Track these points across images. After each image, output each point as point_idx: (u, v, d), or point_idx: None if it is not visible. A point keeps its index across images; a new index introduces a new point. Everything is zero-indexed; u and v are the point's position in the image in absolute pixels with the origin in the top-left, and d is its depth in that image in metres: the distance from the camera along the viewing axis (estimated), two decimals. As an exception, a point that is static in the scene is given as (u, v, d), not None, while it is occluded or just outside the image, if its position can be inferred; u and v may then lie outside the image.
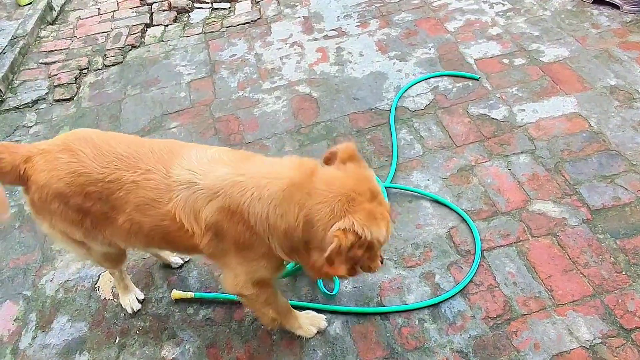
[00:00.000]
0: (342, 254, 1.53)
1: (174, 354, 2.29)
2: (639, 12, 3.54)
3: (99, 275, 2.67)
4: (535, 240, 2.38)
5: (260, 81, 3.73)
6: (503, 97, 3.16)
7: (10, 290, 2.68)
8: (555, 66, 3.29)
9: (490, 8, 3.92)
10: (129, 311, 2.45)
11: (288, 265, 2.24)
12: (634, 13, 3.54)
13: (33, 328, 2.50)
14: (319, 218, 1.57)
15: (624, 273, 2.20)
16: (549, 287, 2.20)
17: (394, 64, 3.61)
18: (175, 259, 2.62)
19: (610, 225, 2.37)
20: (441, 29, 3.83)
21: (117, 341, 2.38)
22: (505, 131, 2.94)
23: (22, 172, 1.86)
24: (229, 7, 4.74)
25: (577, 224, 2.40)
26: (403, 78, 3.47)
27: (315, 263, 1.64)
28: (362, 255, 1.59)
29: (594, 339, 2.02)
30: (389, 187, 2.73)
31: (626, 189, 2.50)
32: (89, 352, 2.36)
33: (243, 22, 4.45)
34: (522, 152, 2.79)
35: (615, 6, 3.63)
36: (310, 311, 2.29)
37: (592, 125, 2.85)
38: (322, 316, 2.26)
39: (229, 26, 4.44)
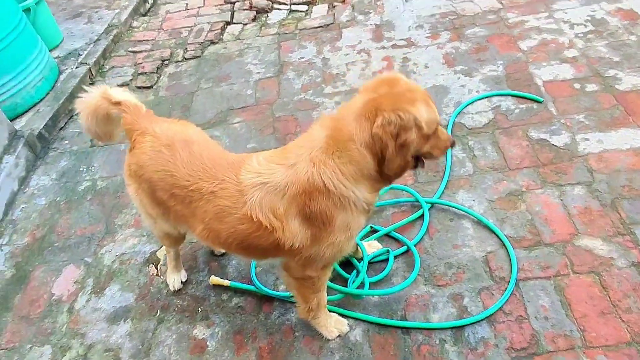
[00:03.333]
0: (389, 144, 1.64)
1: (204, 335, 2.45)
2: None
3: (152, 252, 2.90)
4: (576, 277, 2.28)
5: (323, 85, 3.83)
6: (568, 123, 3.02)
7: (74, 255, 2.98)
8: (631, 96, 3.09)
9: (570, 29, 3.74)
10: (171, 288, 2.65)
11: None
12: None
13: (89, 292, 2.77)
14: (363, 135, 1.68)
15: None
16: (581, 327, 2.10)
17: (459, 78, 3.56)
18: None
19: (663, 272, 2.22)
20: (513, 46, 3.71)
21: (157, 315, 2.58)
22: (563, 159, 2.81)
23: (132, 139, 2.14)
24: (306, 10, 4.89)
25: (625, 265, 2.27)
26: (465, 94, 3.41)
27: (387, 165, 1.72)
28: (419, 140, 1.69)
29: (622, 389, 1.91)
30: (433, 203, 2.72)
31: (689, 237, 2.32)
32: (131, 321, 2.58)
33: (316, 25, 4.57)
34: (578, 183, 2.67)
35: None
36: (335, 314, 2.35)
37: (661, 163, 2.67)
38: (345, 321, 2.32)
39: (303, 29, 4.58)
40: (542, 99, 3.19)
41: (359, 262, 2.51)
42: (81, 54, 4.70)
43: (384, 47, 4.06)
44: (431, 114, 1.70)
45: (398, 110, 1.63)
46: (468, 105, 3.30)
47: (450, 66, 3.69)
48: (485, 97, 3.32)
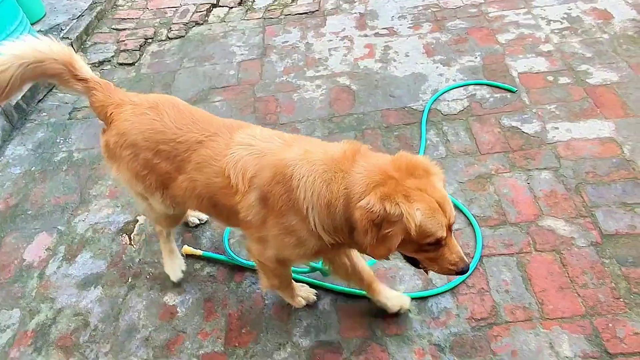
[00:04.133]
0: (369, 231, 1.53)
1: (174, 301, 2.47)
2: None
3: (125, 222, 2.91)
4: (537, 254, 2.36)
5: (305, 69, 3.87)
6: (539, 113, 3.12)
7: (47, 223, 2.98)
8: (600, 89, 3.20)
9: (547, 25, 3.85)
10: (172, 279, 2.50)
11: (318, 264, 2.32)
12: (698, 46, 3.38)
13: (60, 259, 2.77)
14: (355, 192, 1.58)
15: (621, 300, 2.15)
16: (540, 300, 2.19)
17: (437, 67, 3.64)
18: (192, 218, 2.78)
19: (619, 251, 2.31)
20: (492, 39, 3.81)
21: (128, 282, 2.59)
22: (533, 146, 2.91)
23: (108, 114, 2.04)
24: (293, -2, 4.92)
25: (584, 245, 2.36)
26: (442, 82, 3.49)
27: (360, 241, 1.62)
28: (407, 242, 1.56)
29: (574, 357, 2.00)
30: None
31: (645, 219, 2.43)
32: (102, 287, 2.59)
33: (302, 12, 4.61)
34: (545, 169, 2.76)
35: (679, 37, 3.48)
36: (305, 285, 2.39)
37: (624, 152, 2.77)
38: (313, 290, 2.36)
39: (288, 14, 4.62)
40: (516, 89, 3.29)
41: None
42: (63, 29, 4.66)
43: (366, 35, 4.12)
44: (428, 222, 1.53)
45: (386, 201, 1.51)
46: (445, 92, 3.38)
47: (429, 56, 3.76)
48: (462, 86, 3.41)
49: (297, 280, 2.41)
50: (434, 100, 3.33)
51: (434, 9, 4.27)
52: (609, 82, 3.24)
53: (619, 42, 3.57)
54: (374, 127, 3.23)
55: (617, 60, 3.41)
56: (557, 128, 3.00)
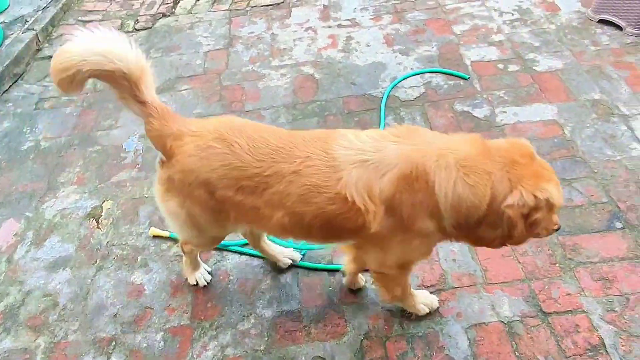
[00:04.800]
0: (518, 224, 1.57)
1: (142, 280, 2.57)
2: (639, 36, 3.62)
3: (93, 207, 2.98)
4: (483, 227, 2.55)
5: (271, 58, 3.99)
6: (489, 98, 3.31)
7: (15, 210, 3.02)
8: (546, 76, 3.42)
9: (499, 16, 4.06)
10: (201, 284, 2.46)
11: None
12: (635, 36, 3.63)
13: (28, 243, 2.82)
14: (500, 191, 1.57)
15: (557, 265, 2.35)
16: (484, 267, 2.37)
17: (396, 57, 3.80)
18: (285, 258, 2.50)
19: (557, 222, 2.51)
20: (448, 30, 3.99)
21: (96, 263, 2.68)
22: (482, 129, 3.10)
23: (167, 147, 1.82)
24: (257, -11, 5.02)
25: (526, 217, 2.56)
26: (401, 70, 3.66)
27: (487, 238, 1.66)
28: (540, 220, 1.60)
29: (513, 316, 2.19)
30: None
31: (581, 193, 2.64)
32: (71, 269, 2.66)
33: (268, 3, 4.71)
34: (493, 149, 2.95)
35: (619, 27, 3.72)
36: (425, 291, 2.28)
37: (565, 133, 2.99)
38: (435, 297, 2.24)
39: (254, 6, 4.71)
40: (469, 77, 3.47)
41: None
42: (28, 20, 4.65)
43: (330, 27, 4.26)
44: (561, 196, 1.63)
45: (533, 190, 1.54)
46: (402, 80, 3.55)
47: (389, 46, 3.93)
48: (418, 74, 3.58)
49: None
50: (393, 88, 3.49)
51: (395, 1, 4.44)
52: (554, 69, 3.46)
53: (565, 32, 3.80)
54: (336, 114, 3.38)
55: (562, 49, 3.63)
56: (505, 112, 3.20)
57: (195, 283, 2.48)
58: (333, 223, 1.70)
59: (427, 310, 2.20)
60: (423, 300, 2.20)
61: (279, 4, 4.68)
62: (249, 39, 4.25)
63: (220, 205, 1.82)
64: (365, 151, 1.65)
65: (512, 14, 4.06)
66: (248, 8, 4.69)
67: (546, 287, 2.27)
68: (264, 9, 4.64)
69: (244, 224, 1.95)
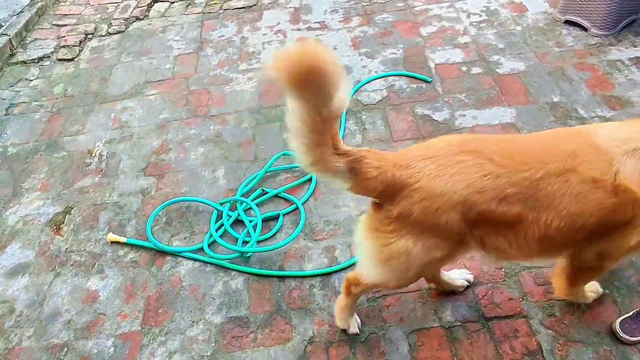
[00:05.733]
0: None
1: (97, 286, 2.61)
2: (604, 37, 3.63)
3: (55, 213, 3.01)
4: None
5: (239, 62, 4.01)
6: (450, 101, 3.33)
7: (-22, 217, 3.06)
8: (507, 78, 3.44)
9: (467, 17, 4.07)
10: (353, 331, 2.21)
11: None
12: (599, 37, 3.64)
13: (-11, 250, 2.86)
14: None
15: (502, 270, 2.38)
16: (430, 273, 2.40)
17: (362, 59, 3.82)
18: (461, 281, 2.33)
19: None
20: (415, 32, 4.01)
21: (54, 269, 2.71)
22: (441, 132, 3.12)
23: (394, 179, 1.61)
24: (232, -9, 5.04)
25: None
26: (365, 74, 3.68)
27: None
28: None
29: (455, 321, 2.22)
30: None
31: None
32: (29, 276, 2.70)
33: (240, 6, 4.73)
34: (449, 153, 2.97)
35: (584, 28, 3.73)
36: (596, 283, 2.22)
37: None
38: (596, 283, 2.20)
39: (227, 9, 4.73)
40: (431, 80, 3.49)
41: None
42: (3, 25, 4.67)
43: (299, 29, 4.28)
44: None
45: None
46: (365, 83, 3.57)
47: (356, 48, 3.94)
48: (381, 77, 3.60)
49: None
50: (356, 91, 3.51)
51: (364, 3, 4.45)
52: (516, 72, 3.48)
53: (530, 33, 3.81)
54: (298, 118, 3.40)
55: (526, 50, 3.65)
56: (464, 115, 3.22)
57: (346, 328, 2.21)
58: (607, 219, 1.62)
59: (595, 297, 2.19)
60: (589, 288, 2.18)
61: (251, 6, 4.70)
62: (219, 42, 4.28)
63: (469, 227, 1.64)
64: (632, 139, 1.60)
65: (480, 15, 4.07)
66: (221, 11, 4.71)
67: (489, 292, 2.30)
68: (236, 12, 4.66)
69: (490, 244, 1.72)
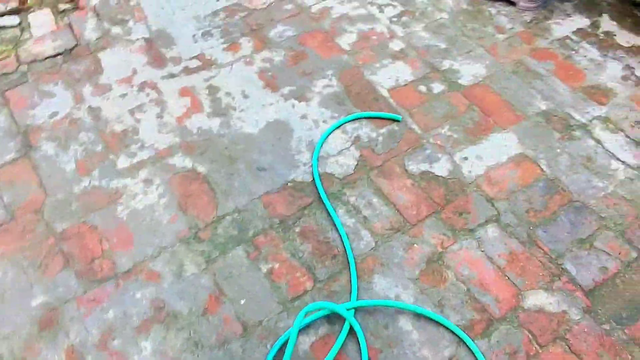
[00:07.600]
0: None
1: None
2: (534, 10, 3.26)
3: None
4: (545, 352, 1.98)
5: (112, 155, 2.60)
6: (437, 142, 2.63)
7: None
8: (476, 90, 2.85)
9: (380, 12, 3.28)
10: None
11: None
12: (530, 10, 3.25)
13: None
14: None
15: (642, 375, 1.94)
16: None
17: (293, 106, 2.80)
18: None
19: (609, 308, 2.08)
20: (333, 47, 3.08)
21: None
22: (457, 192, 2.44)
23: None
24: (19, 24, 3.30)
25: (579, 317, 2.06)
26: (312, 128, 2.70)
27: None
28: None
29: None
30: (356, 307, 2.07)
31: (609, 254, 2.23)
32: None
33: (52, 53, 3.10)
34: (487, 222, 2.34)
35: (510, 3, 3.29)
36: None
37: (544, 169, 2.51)
38: None
39: (31, 61, 3.06)
40: (400, 117, 2.71)
41: None
42: None
43: (172, 74, 2.96)
44: None
45: None
46: (322, 144, 2.62)
47: (274, 89, 2.87)
48: (336, 128, 2.68)
49: None
50: (317, 160, 2.55)
51: (241, 14, 3.28)
52: (480, 78, 2.91)
53: (461, 21, 3.23)
54: (265, 228, 2.33)
55: (472, 45, 3.08)
56: (466, 158, 2.57)
57: None
58: None
59: None
60: None
61: (71, 49, 3.11)
62: (55, 127, 2.73)
63: None
64: None
65: (394, 7, 3.31)
66: (23, 67, 3.02)
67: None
68: (51, 63, 3.03)
69: None
